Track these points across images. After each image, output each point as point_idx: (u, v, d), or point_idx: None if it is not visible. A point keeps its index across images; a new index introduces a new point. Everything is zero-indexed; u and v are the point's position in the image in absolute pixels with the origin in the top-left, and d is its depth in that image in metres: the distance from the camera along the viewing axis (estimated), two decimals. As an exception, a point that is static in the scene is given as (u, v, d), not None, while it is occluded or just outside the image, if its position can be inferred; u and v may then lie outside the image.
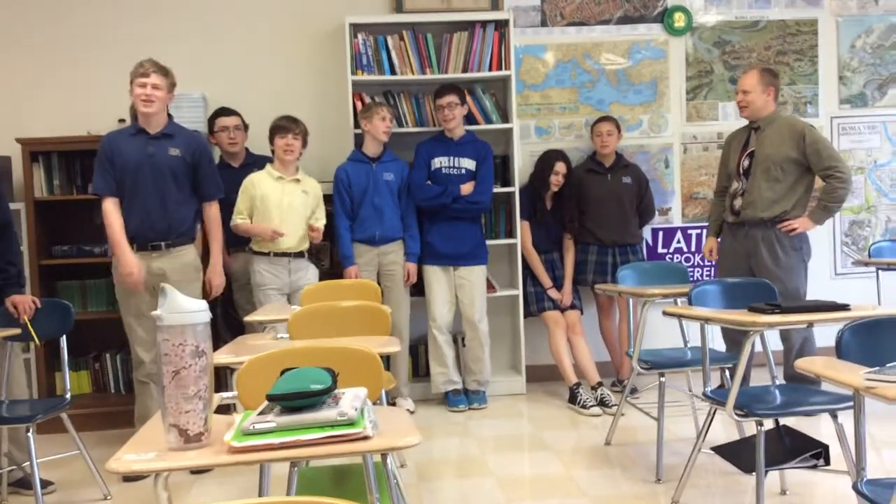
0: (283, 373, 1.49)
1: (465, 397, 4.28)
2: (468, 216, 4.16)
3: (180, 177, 3.39)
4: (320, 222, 3.84)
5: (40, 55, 4.41)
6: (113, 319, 3.86)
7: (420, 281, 4.26)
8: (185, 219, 3.42)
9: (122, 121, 4.15)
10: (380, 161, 4.11)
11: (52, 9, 4.39)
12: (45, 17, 4.40)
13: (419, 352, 4.57)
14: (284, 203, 3.70)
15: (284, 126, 3.69)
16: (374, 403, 1.60)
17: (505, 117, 4.48)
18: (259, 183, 3.75)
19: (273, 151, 3.84)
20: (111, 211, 3.36)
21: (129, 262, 3.32)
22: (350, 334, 2.46)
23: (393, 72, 4.34)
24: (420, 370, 4.55)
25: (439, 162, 4.18)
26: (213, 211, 3.50)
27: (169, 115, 3.46)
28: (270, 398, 1.42)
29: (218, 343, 3.54)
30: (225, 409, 1.73)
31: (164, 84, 3.31)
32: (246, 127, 4.16)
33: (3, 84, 4.26)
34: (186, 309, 1.37)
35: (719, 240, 3.99)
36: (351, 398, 1.45)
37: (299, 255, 3.78)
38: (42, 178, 4.16)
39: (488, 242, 4.35)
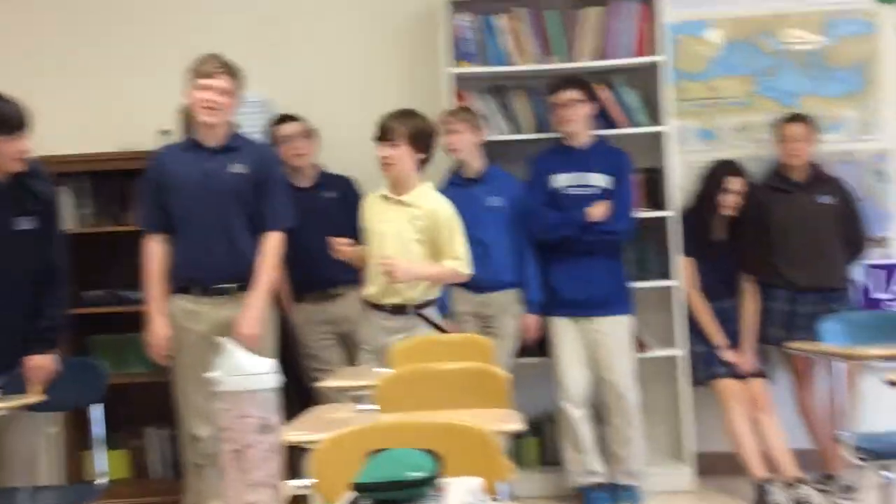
0: (370, 455, 1.52)
1: (611, 494, 4.21)
2: (603, 250, 4.17)
3: (246, 200, 3.49)
4: (450, 263, 3.51)
5: (64, 56, 4.54)
6: (157, 384, 3.89)
7: (543, 338, 4.28)
8: (251, 255, 3.52)
9: (165, 132, 4.25)
10: (483, 182, 4.16)
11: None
12: (68, 10, 4.56)
13: (546, 431, 4.53)
14: (384, 231, 3.60)
15: (381, 127, 3.61)
16: (493, 500, 1.62)
17: (655, 117, 4.44)
18: (369, 204, 3.72)
19: None
20: (151, 254, 3.49)
21: (156, 328, 3.44)
22: (456, 406, 2.48)
23: (505, 61, 4.35)
24: (548, 456, 4.52)
25: (561, 179, 4.21)
26: (271, 241, 3.53)
27: (233, 124, 3.59)
28: (358, 488, 1.42)
29: (286, 415, 3.65)
30: (298, 502, 1.78)
31: (231, 88, 3.42)
32: (314, 134, 4.26)
33: (23, 92, 4.30)
34: (251, 370, 1.41)
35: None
36: (461, 491, 1.47)
37: (398, 309, 3.57)
38: (70, 204, 4.25)
39: (636, 286, 4.34)
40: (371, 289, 3.59)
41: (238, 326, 3.43)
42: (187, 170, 3.48)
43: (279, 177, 3.63)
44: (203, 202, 3.46)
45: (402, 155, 3.54)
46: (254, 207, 3.52)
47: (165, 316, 3.46)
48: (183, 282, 3.49)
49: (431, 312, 3.63)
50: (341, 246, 3.52)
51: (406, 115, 3.61)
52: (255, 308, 3.48)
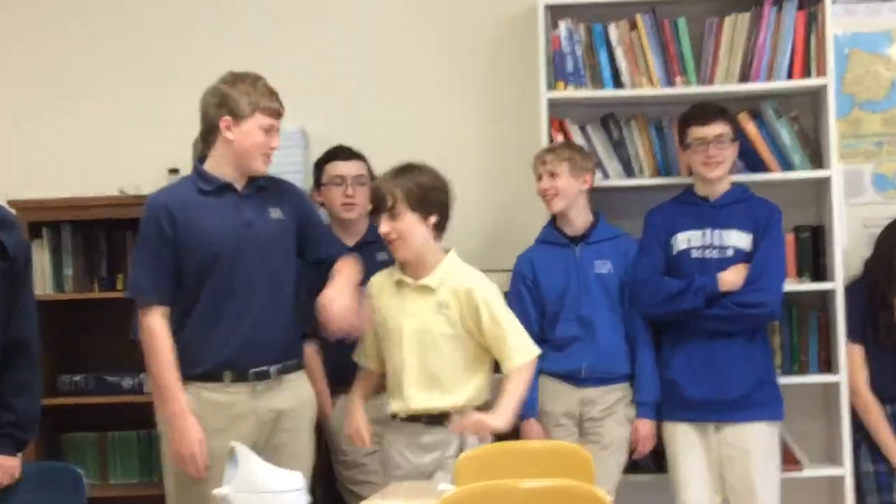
0: None
1: None
2: (740, 331, 3.83)
3: (290, 255, 3.42)
4: (513, 360, 3.39)
5: (51, 81, 4.48)
6: (150, 498, 3.79)
7: (659, 448, 3.99)
8: (297, 326, 3.46)
9: (174, 171, 4.11)
10: (588, 241, 3.92)
11: (69, 18, 4.48)
12: (58, 29, 4.48)
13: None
14: (405, 327, 3.45)
15: (372, 195, 3.56)
16: None
17: (816, 159, 4.16)
18: (378, 291, 3.55)
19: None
20: (160, 332, 3.27)
21: (189, 430, 3.22)
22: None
23: (618, 84, 4.13)
24: None
25: (686, 240, 3.92)
26: (347, 258, 3.53)
27: None
28: None
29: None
30: None
31: None
32: (373, 179, 4.02)
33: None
34: (269, 486, 1.58)
35: None
36: None
37: (436, 419, 3.42)
38: (47, 263, 4.19)
39: (786, 381, 4.02)
40: (395, 403, 3.44)
41: (326, 300, 3.31)
42: (222, 220, 3.30)
43: (318, 215, 3.62)
44: (248, 260, 3.30)
45: (409, 227, 3.41)
46: (294, 264, 3.42)
47: (193, 413, 3.28)
48: (211, 366, 3.27)
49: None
50: (362, 435, 3.47)
51: (400, 172, 3.50)
52: (342, 280, 3.37)
